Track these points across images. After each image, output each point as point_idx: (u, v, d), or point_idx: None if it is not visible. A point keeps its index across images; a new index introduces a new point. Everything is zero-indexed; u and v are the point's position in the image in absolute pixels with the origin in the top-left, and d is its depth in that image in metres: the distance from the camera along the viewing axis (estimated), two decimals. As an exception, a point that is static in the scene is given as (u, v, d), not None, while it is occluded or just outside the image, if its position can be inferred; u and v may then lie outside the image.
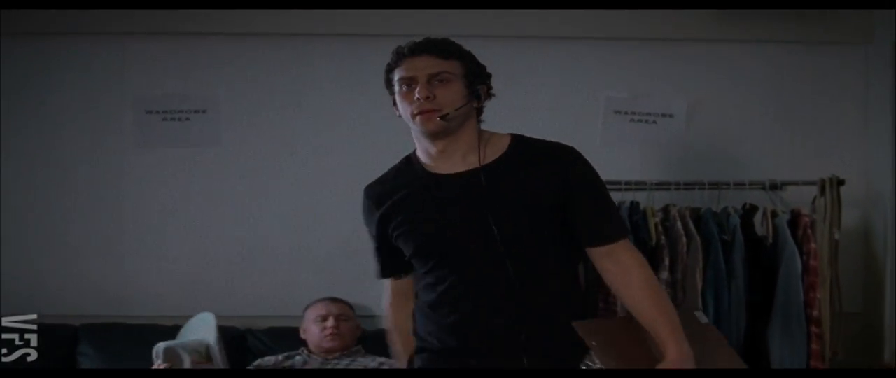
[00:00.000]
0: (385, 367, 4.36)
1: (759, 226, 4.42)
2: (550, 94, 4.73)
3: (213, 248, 4.81)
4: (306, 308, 4.54)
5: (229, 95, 4.80)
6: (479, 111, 2.80)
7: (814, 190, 4.50)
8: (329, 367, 4.37)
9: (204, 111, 4.78)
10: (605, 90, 4.76)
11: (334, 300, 4.55)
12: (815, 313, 4.23)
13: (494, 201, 2.68)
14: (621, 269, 2.68)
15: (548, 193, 2.68)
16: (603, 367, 2.60)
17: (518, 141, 2.79)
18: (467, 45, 4.31)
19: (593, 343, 2.60)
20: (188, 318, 4.49)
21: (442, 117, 2.71)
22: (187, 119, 4.78)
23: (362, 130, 4.80)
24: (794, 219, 4.36)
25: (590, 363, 2.66)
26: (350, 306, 4.58)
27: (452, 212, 2.74)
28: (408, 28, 4.61)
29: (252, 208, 4.82)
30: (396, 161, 4.62)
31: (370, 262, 4.66)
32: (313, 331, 4.45)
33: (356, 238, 4.64)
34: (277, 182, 4.82)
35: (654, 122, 4.81)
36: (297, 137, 4.82)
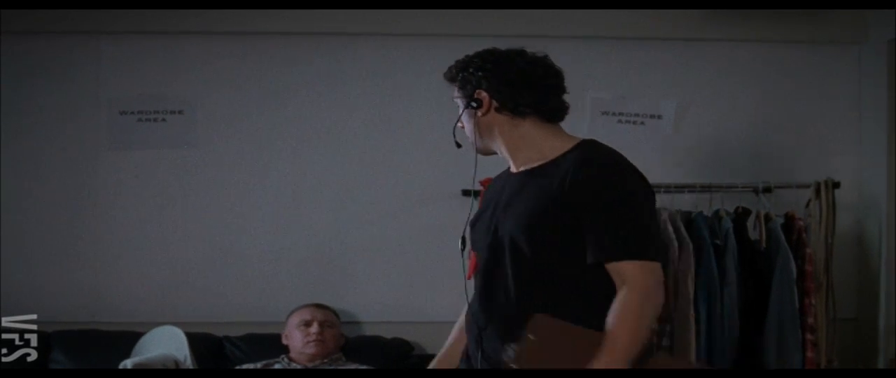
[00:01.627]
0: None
1: (752, 230, 4.35)
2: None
3: (190, 253, 4.73)
4: (290, 313, 4.47)
5: (206, 96, 4.73)
6: (516, 110, 2.73)
7: (805, 193, 4.44)
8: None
9: (180, 112, 4.71)
10: (592, 91, 4.69)
11: (319, 306, 4.47)
12: (811, 320, 4.17)
13: (509, 204, 2.70)
14: (619, 289, 2.54)
15: (550, 202, 2.60)
16: (515, 365, 2.55)
17: (578, 148, 2.70)
18: (442, 45, 4.29)
19: (530, 336, 2.53)
20: (163, 324, 4.42)
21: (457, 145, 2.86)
22: (163, 120, 4.71)
23: (343, 132, 4.74)
24: (788, 223, 4.29)
25: (505, 357, 2.57)
26: (335, 313, 4.50)
27: (485, 210, 2.82)
28: (388, 27, 4.70)
29: (229, 212, 4.75)
30: (376, 163, 4.74)
31: (349, 268, 4.74)
32: (296, 336, 4.37)
33: (336, 243, 4.75)
34: (256, 185, 4.74)
35: (642, 123, 4.73)
36: (276, 139, 4.74)
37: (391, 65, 4.74)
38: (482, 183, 4.40)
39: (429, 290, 4.67)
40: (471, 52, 2.80)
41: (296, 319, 4.42)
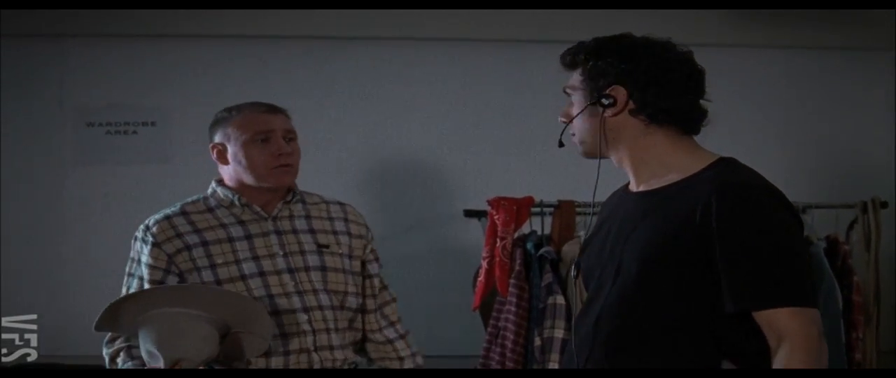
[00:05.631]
0: (334, 205, 3.39)
1: (790, 255, 4.03)
2: (547, 99, 4.39)
3: (164, 278, 4.41)
4: (225, 116, 3.27)
5: (181, 106, 4.56)
6: (655, 117, 2.33)
7: (839, 213, 4.21)
8: (275, 218, 3.21)
9: (153, 123, 4.58)
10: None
11: (273, 109, 3.26)
12: (858, 356, 3.89)
13: (631, 233, 2.32)
14: (778, 346, 2.15)
15: (680, 232, 2.23)
16: None
17: (714, 167, 2.32)
18: (442, 50, 4.35)
19: None
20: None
21: (560, 144, 2.47)
22: (134, 132, 4.58)
23: (334, 147, 4.55)
24: (831, 247, 4.01)
25: None
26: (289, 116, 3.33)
27: (597, 233, 2.47)
28: (379, 30, 4.46)
29: (207, 234, 4.43)
30: (370, 181, 4.48)
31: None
32: (251, 156, 3.16)
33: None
34: (236, 205, 4.44)
35: (662, 133, 4.47)
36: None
37: (388, 71, 4.56)
38: (490, 202, 4.09)
39: (430, 321, 4.39)
40: (602, 37, 2.41)
41: (246, 128, 3.18)
